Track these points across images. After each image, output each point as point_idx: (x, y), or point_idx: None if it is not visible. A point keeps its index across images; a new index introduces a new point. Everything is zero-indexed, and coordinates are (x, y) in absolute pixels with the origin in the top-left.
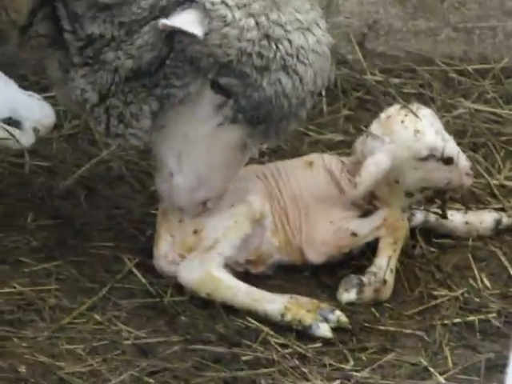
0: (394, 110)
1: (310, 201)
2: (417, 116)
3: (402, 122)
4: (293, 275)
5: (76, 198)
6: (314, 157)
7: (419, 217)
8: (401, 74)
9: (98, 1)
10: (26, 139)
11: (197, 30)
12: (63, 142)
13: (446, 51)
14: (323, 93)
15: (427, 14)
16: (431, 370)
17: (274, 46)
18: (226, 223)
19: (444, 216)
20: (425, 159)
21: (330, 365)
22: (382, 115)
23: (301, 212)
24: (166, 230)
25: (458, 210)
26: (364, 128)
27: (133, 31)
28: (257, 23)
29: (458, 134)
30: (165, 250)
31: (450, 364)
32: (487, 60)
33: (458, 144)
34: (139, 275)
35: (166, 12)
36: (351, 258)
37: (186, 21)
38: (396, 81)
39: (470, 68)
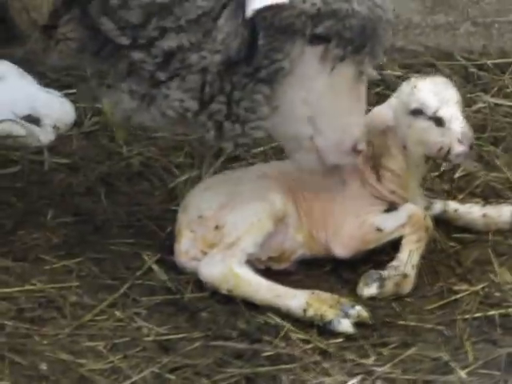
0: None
1: (334, 195)
2: (426, 78)
3: (411, 80)
4: (313, 270)
5: (96, 195)
6: None
7: (437, 207)
8: (420, 68)
9: (155, 2)
10: (46, 136)
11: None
12: (83, 139)
13: (466, 46)
14: None
15: (446, 9)
16: (452, 364)
17: None
18: (248, 220)
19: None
20: (414, 114)
21: (352, 360)
22: None
23: (326, 207)
24: (187, 225)
25: (476, 203)
26: None
27: (208, 29)
28: None
29: (478, 129)
30: (186, 246)
31: (471, 358)
32: (507, 54)
33: (478, 138)
34: (159, 272)
35: None
36: (371, 253)
37: None
38: (415, 76)
39: (489, 62)
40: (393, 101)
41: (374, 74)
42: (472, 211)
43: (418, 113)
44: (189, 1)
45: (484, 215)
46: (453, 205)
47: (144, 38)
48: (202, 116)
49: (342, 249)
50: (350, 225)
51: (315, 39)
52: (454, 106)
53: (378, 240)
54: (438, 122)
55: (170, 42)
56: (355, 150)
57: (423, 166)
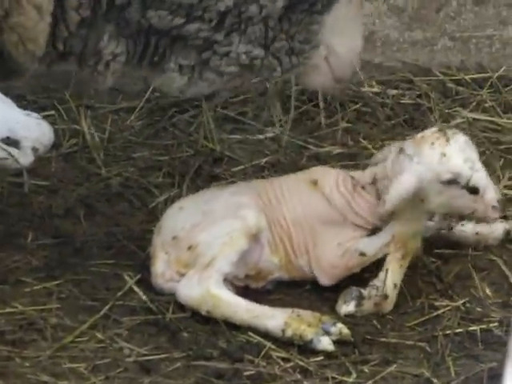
0: (428, 132)
1: (315, 222)
2: (447, 139)
3: (432, 143)
4: (294, 289)
5: (76, 217)
6: (319, 173)
7: (431, 227)
8: (398, 85)
9: None
10: (25, 158)
11: None
12: (62, 160)
13: (443, 61)
14: (321, 105)
15: (423, 25)
16: (434, 380)
17: None
18: (221, 239)
19: (450, 228)
20: (448, 184)
21: (333, 378)
22: (418, 135)
23: (306, 235)
24: (161, 247)
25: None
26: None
27: None
28: None
29: None
30: (161, 269)
31: (453, 374)
32: (484, 69)
33: None
34: (140, 292)
35: None
36: None
37: None
38: (393, 92)
39: (467, 77)
40: (417, 169)
41: None
42: (465, 229)
43: (451, 183)
44: None
45: (477, 233)
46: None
47: (200, 9)
48: (267, 59)
49: (325, 278)
50: (332, 254)
51: None
52: (482, 171)
53: (362, 264)
54: (472, 190)
55: (227, 2)
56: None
57: (438, 216)
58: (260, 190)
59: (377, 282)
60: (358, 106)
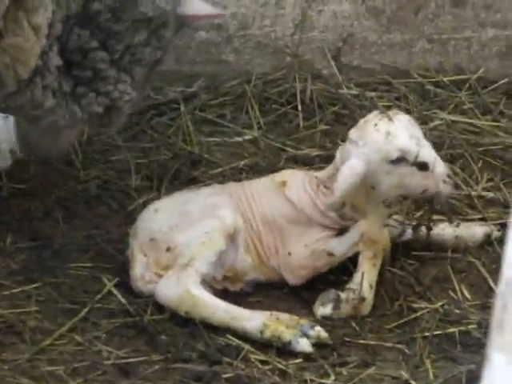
0: (371, 115)
1: (283, 223)
2: (390, 119)
3: (375, 125)
4: (272, 291)
5: (54, 220)
6: (287, 175)
7: (409, 232)
8: (377, 87)
9: (144, 16)
10: (3, 161)
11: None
12: (40, 163)
13: (422, 63)
14: (299, 108)
15: (401, 27)
16: (412, 382)
17: None
18: (199, 240)
19: (429, 230)
20: (396, 162)
21: (311, 380)
22: (360, 120)
23: (275, 235)
24: (139, 249)
25: (442, 221)
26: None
27: (158, 27)
28: None
29: (435, 146)
30: (140, 271)
31: (431, 376)
32: (463, 71)
33: None
34: (118, 295)
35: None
36: (331, 272)
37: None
38: (372, 94)
39: (445, 79)
40: (363, 151)
41: None
42: (445, 233)
43: (400, 160)
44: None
45: (457, 236)
46: (425, 228)
47: (115, 39)
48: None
49: (293, 278)
50: (300, 254)
51: None
52: (428, 146)
53: (331, 264)
54: (421, 166)
55: (134, 39)
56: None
57: (396, 204)
58: (232, 191)
59: (352, 284)
60: (336, 108)
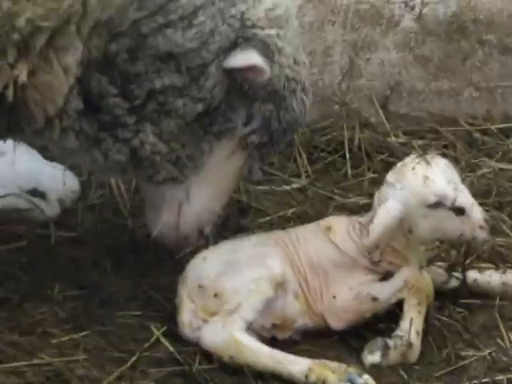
0: (408, 159)
1: (328, 267)
2: (428, 163)
3: (413, 168)
4: (320, 340)
5: (102, 268)
6: (332, 220)
7: (454, 280)
8: (424, 135)
9: (162, 53)
10: (52, 210)
11: (265, 65)
12: (88, 212)
13: (469, 111)
14: (347, 156)
15: (449, 74)
16: None
17: (299, 69)
18: (247, 287)
19: (464, 279)
20: (434, 206)
21: None
22: (398, 164)
23: (320, 279)
24: (187, 296)
25: (492, 269)
26: None
27: (196, 76)
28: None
29: (483, 194)
30: (188, 318)
31: None
32: (510, 119)
33: (483, 204)
34: (167, 343)
35: (227, 52)
36: (378, 320)
37: (255, 57)
38: (420, 142)
39: (493, 127)
40: (401, 194)
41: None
42: (491, 280)
43: (437, 205)
44: (194, 52)
45: (503, 283)
46: (471, 274)
47: (135, 83)
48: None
49: (336, 321)
50: (344, 297)
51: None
52: (465, 191)
53: (374, 309)
54: (458, 211)
55: (158, 82)
56: (201, 234)
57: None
58: (278, 238)
59: (400, 331)
60: (384, 156)
